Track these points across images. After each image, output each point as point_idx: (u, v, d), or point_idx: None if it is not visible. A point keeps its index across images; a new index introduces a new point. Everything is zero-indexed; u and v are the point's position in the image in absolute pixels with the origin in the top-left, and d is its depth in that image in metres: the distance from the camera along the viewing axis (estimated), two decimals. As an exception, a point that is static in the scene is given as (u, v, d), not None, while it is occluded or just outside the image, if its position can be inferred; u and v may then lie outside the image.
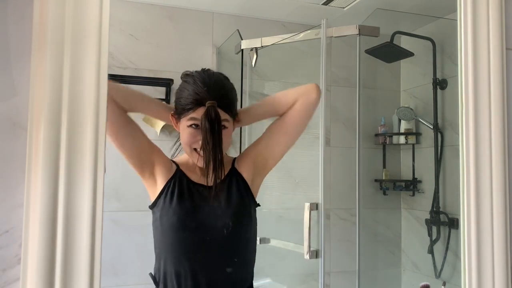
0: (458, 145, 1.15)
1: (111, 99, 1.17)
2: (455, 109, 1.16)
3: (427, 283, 2.27)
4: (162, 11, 2.51)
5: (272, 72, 2.66)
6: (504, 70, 1.14)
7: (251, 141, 1.37)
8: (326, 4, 2.48)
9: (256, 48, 2.40)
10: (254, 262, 1.31)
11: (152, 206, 1.26)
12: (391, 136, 2.84)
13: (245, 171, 1.30)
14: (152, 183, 1.25)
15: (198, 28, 2.57)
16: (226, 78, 1.28)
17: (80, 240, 0.78)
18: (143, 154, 1.24)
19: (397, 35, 2.52)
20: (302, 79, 1.34)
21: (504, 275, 1.11)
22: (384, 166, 2.89)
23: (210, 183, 1.17)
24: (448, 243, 2.51)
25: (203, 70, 1.25)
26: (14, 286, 0.76)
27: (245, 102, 2.51)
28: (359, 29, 2.15)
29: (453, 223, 2.47)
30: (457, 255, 2.43)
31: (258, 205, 1.31)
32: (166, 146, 1.30)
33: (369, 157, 2.86)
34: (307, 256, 1.95)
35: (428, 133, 2.72)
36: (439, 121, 2.60)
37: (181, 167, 1.27)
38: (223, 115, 1.19)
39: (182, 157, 1.32)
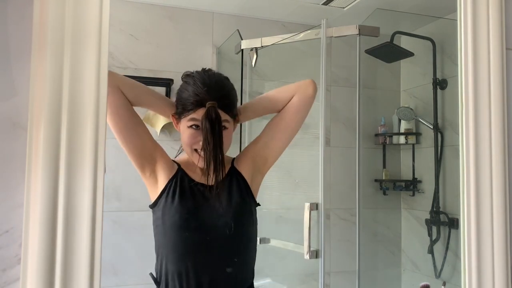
0: (458, 145, 1.15)
1: (119, 91, 1.17)
2: (455, 109, 1.16)
3: (427, 283, 2.27)
4: (162, 11, 2.51)
5: (272, 72, 2.66)
6: (504, 70, 1.14)
7: (251, 140, 1.38)
8: (326, 4, 2.48)
9: (256, 48, 2.40)
10: (255, 261, 1.31)
11: (153, 206, 1.26)
12: (391, 136, 2.84)
13: (245, 170, 1.30)
14: (153, 181, 1.25)
15: (198, 28, 2.57)
16: (227, 79, 1.28)
17: (80, 240, 0.78)
18: (146, 151, 1.24)
19: (397, 35, 2.52)
20: (302, 79, 1.34)
21: (504, 275, 1.11)
22: (384, 166, 2.89)
23: (211, 183, 1.17)
24: (448, 243, 2.51)
25: (204, 70, 1.26)
26: (14, 286, 0.76)
27: (245, 102, 2.51)
28: (359, 29, 2.15)
29: (453, 223, 2.47)
30: (457, 255, 2.43)
31: (258, 204, 1.31)
32: (166, 146, 1.30)
33: (369, 157, 2.86)
34: (307, 256, 1.95)
35: (428, 133, 2.72)
36: (439, 121, 2.60)
37: (182, 167, 1.28)
38: (224, 115, 1.19)
39: (183, 157, 1.32)
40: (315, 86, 1.31)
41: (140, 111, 1.28)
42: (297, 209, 2.10)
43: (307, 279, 2.56)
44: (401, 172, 2.93)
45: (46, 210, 0.76)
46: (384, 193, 2.86)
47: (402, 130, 2.80)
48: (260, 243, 2.07)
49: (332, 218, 2.67)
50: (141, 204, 2.11)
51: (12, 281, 0.76)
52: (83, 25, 0.80)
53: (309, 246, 1.94)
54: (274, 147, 1.32)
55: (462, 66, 1.14)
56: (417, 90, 2.84)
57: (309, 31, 2.20)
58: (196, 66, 1.33)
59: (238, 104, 1.29)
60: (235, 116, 1.25)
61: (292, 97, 1.29)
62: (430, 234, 2.60)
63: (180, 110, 1.22)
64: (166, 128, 2.37)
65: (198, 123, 1.18)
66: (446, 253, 2.51)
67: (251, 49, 2.41)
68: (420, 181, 2.78)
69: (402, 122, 2.78)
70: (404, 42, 2.76)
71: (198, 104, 1.18)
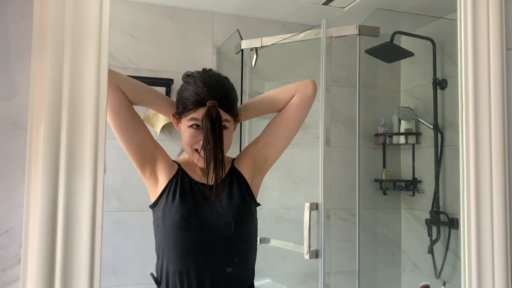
0: (458, 145, 1.15)
1: (120, 90, 1.17)
2: (455, 109, 1.16)
3: (427, 283, 2.27)
4: (162, 11, 2.51)
5: (272, 72, 2.66)
6: (504, 70, 1.14)
7: (251, 140, 1.38)
8: (326, 4, 2.48)
9: (256, 48, 2.40)
10: (255, 261, 1.31)
11: (153, 206, 1.26)
12: (391, 136, 2.84)
13: (245, 170, 1.30)
14: (153, 181, 1.25)
15: (198, 28, 2.58)
16: (227, 79, 1.28)
17: (80, 240, 0.78)
18: (146, 151, 1.24)
19: (397, 35, 2.52)
20: (302, 79, 1.34)
21: (504, 275, 1.11)
22: (384, 166, 2.89)
23: (211, 183, 1.17)
24: (448, 243, 2.51)
25: (204, 70, 1.26)
26: (14, 286, 0.76)
27: (245, 102, 2.51)
28: (359, 29, 2.15)
29: (453, 223, 2.47)
30: (457, 255, 2.43)
31: (259, 204, 1.31)
32: (166, 146, 1.30)
33: (369, 157, 2.86)
34: (307, 256, 1.95)
35: (428, 133, 2.72)
36: (439, 121, 2.60)
37: (182, 167, 1.28)
38: (224, 115, 1.19)
39: (183, 157, 1.32)
40: (315, 86, 1.31)
41: (140, 111, 1.28)
42: (297, 209, 2.10)
43: (307, 279, 2.56)
44: (401, 172, 2.93)
45: (46, 210, 0.76)
46: (384, 193, 2.86)
47: (402, 130, 2.80)
48: (260, 243, 2.07)
49: (332, 218, 2.67)
50: (141, 204, 2.11)
51: (12, 281, 0.76)
52: (83, 25, 0.80)
53: (309, 246, 1.94)
54: (274, 147, 1.33)
55: (462, 66, 1.14)
56: (417, 90, 2.84)
57: (309, 31, 2.20)
58: (196, 66, 1.33)
59: (238, 104, 1.29)
60: (235, 116, 1.26)
61: (292, 97, 1.30)
62: (430, 234, 2.60)
63: (181, 109, 1.23)
64: (166, 128, 2.37)
65: (199, 122, 1.18)
66: (446, 253, 2.51)
67: (251, 49, 2.41)
68: (420, 181, 2.78)
69: (402, 122, 2.78)
70: (404, 42, 2.76)
71: (199, 104, 1.18)
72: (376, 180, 2.86)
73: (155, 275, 1.26)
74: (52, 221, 0.76)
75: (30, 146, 0.77)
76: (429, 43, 2.63)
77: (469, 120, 1.12)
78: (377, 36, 2.23)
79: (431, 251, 2.59)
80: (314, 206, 1.98)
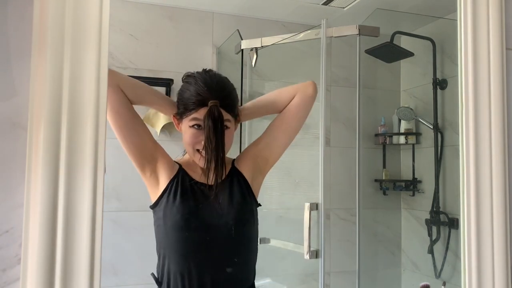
0: (458, 145, 1.15)
1: (120, 90, 1.17)
2: (455, 109, 1.16)
3: (427, 283, 2.27)
4: (162, 11, 2.51)
5: (272, 72, 2.66)
6: (504, 70, 1.14)
7: (252, 141, 1.38)
8: (326, 4, 2.48)
9: (256, 48, 2.40)
10: (256, 261, 1.31)
11: (153, 206, 1.26)
12: (391, 136, 2.84)
13: (246, 170, 1.30)
14: (154, 182, 1.25)
15: (198, 28, 2.57)
16: (227, 79, 1.28)
17: (80, 240, 0.78)
18: (146, 151, 1.24)
19: (397, 35, 2.52)
20: (302, 79, 1.35)
21: (504, 275, 1.11)
22: (384, 166, 2.89)
23: (212, 182, 1.17)
24: (448, 243, 2.51)
25: (205, 71, 1.26)
26: (14, 286, 0.76)
27: (245, 102, 2.50)
28: (359, 29, 2.15)
29: (453, 223, 2.47)
30: (457, 255, 2.43)
31: (259, 204, 1.32)
32: (166, 146, 1.30)
33: (369, 157, 2.86)
34: (307, 256, 1.95)
35: (428, 133, 2.72)
36: (439, 121, 2.60)
37: (183, 167, 1.28)
38: (225, 115, 1.19)
39: (184, 158, 1.33)
40: (315, 87, 1.32)
41: (140, 111, 1.28)
42: (297, 209, 2.10)
43: (307, 279, 2.56)
44: (401, 172, 2.93)
45: (46, 210, 0.76)
46: (384, 193, 2.86)
47: (402, 130, 2.80)
48: (260, 243, 2.07)
49: (332, 218, 2.67)
50: (141, 204, 2.10)
51: (12, 281, 0.76)
52: (83, 25, 0.80)
53: (309, 246, 1.94)
54: (275, 148, 1.33)
55: (462, 66, 1.14)
56: (417, 90, 2.84)
57: (309, 31, 2.20)
58: (196, 66, 1.33)
59: (238, 104, 1.29)
60: (236, 116, 1.26)
61: (293, 98, 1.30)
62: (430, 234, 2.60)
63: (182, 110, 1.22)
64: (166, 128, 2.37)
65: (200, 122, 1.18)
66: (446, 253, 2.51)
67: (251, 49, 2.41)
68: (420, 181, 2.78)
69: (402, 122, 2.78)
70: (404, 42, 2.76)
71: (200, 104, 1.18)
72: (376, 180, 2.86)
73: (155, 275, 1.26)
74: (52, 221, 0.76)
75: (30, 146, 0.77)
76: (429, 43, 2.63)
77: (469, 120, 1.12)
78: (377, 36, 2.23)
79: (431, 251, 2.58)
80: (314, 206, 1.98)
